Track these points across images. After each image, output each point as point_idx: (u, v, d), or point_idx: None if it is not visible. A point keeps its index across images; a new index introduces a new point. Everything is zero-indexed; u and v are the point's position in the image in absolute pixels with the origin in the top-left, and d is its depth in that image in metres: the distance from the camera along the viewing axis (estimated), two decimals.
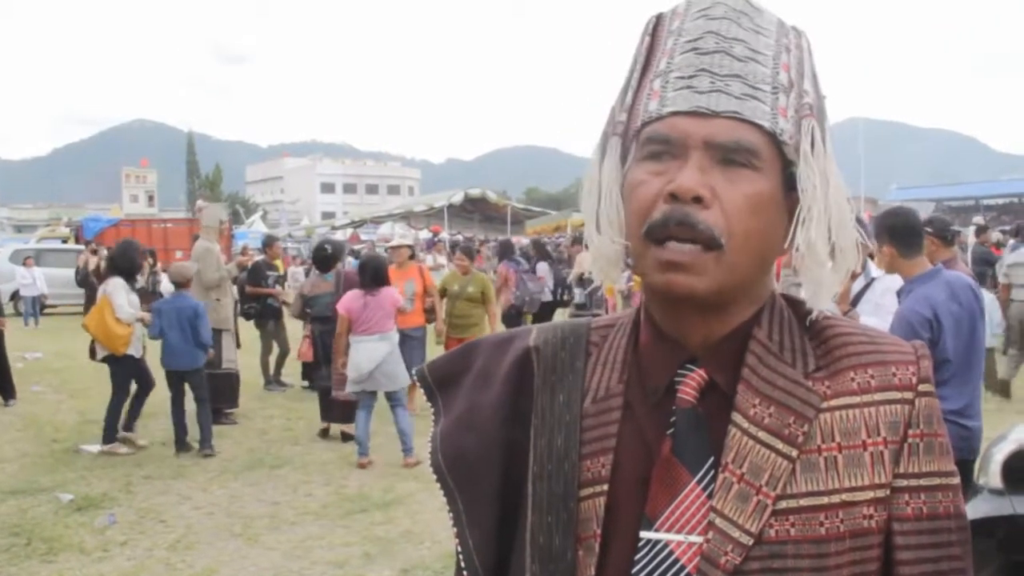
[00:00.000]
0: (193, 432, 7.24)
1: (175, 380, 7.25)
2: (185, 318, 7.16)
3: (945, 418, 0.90)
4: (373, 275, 6.88)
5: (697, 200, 0.81)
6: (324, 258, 8.51)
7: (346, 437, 7.56)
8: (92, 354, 7.57)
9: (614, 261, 0.91)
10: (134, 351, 7.34)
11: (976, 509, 3.27)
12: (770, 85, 0.85)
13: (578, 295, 11.36)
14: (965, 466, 3.34)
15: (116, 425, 7.29)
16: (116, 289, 7.29)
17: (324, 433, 7.80)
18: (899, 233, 3.67)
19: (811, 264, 0.86)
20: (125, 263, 7.56)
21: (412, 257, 8.52)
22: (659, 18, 0.92)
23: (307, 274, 14.82)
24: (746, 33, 0.86)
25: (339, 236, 33.12)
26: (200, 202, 32.99)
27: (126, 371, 7.36)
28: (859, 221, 0.91)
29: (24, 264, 18.61)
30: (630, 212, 0.86)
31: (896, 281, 3.98)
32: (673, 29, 0.89)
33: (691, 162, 0.82)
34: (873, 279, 4.03)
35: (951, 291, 3.60)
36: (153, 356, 7.53)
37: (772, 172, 0.84)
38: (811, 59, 0.89)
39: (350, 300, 6.85)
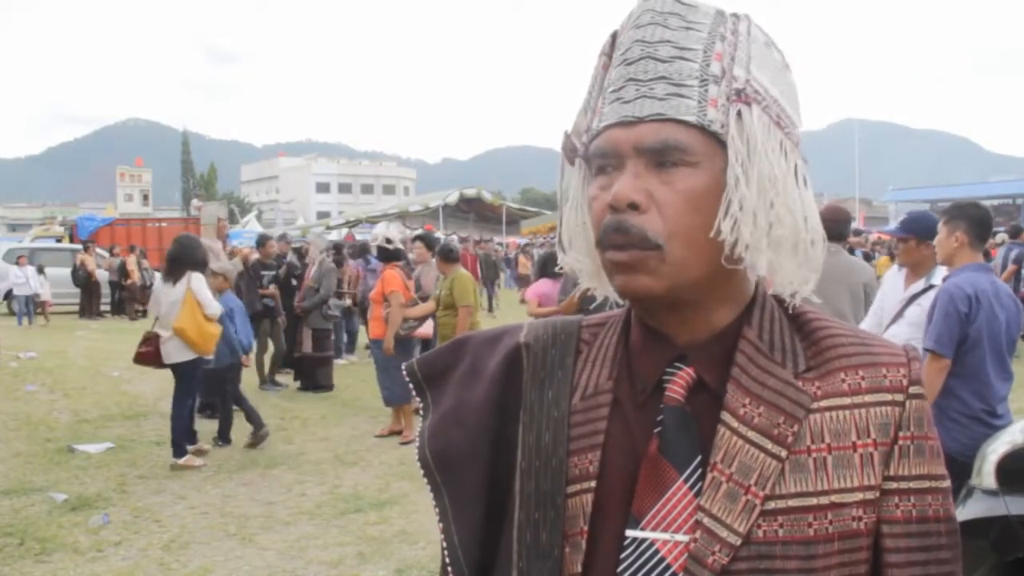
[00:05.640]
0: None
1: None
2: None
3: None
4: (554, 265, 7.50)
5: (633, 207, 0.82)
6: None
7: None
8: (156, 361, 6.72)
9: (592, 274, 0.93)
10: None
11: (970, 510, 3.28)
12: (698, 79, 0.84)
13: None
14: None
15: (189, 433, 7.00)
16: (202, 284, 6.81)
17: None
18: (976, 223, 3.74)
19: (754, 258, 0.85)
20: (198, 256, 7.02)
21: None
22: (614, 37, 0.91)
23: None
24: (674, 33, 0.85)
25: (334, 235, 33.11)
26: (196, 201, 32.89)
27: (197, 374, 6.91)
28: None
29: (17, 263, 18.55)
30: (591, 228, 0.89)
31: None
32: (619, 45, 0.90)
33: (626, 171, 0.84)
34: (932, 285, 3.89)
35: (996, 289, 3.67)
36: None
37: (711, 164, 0.83)
38: (749, 43, 0.86)
39: (540, 287, 7.51)
